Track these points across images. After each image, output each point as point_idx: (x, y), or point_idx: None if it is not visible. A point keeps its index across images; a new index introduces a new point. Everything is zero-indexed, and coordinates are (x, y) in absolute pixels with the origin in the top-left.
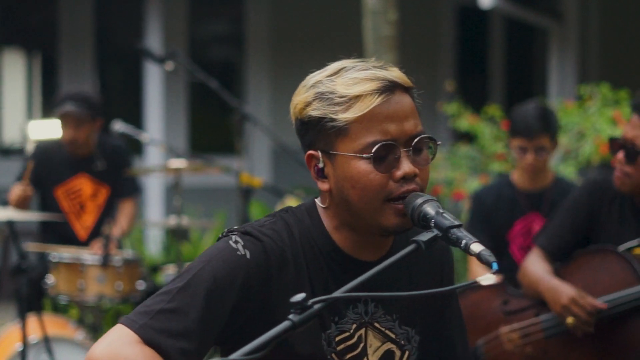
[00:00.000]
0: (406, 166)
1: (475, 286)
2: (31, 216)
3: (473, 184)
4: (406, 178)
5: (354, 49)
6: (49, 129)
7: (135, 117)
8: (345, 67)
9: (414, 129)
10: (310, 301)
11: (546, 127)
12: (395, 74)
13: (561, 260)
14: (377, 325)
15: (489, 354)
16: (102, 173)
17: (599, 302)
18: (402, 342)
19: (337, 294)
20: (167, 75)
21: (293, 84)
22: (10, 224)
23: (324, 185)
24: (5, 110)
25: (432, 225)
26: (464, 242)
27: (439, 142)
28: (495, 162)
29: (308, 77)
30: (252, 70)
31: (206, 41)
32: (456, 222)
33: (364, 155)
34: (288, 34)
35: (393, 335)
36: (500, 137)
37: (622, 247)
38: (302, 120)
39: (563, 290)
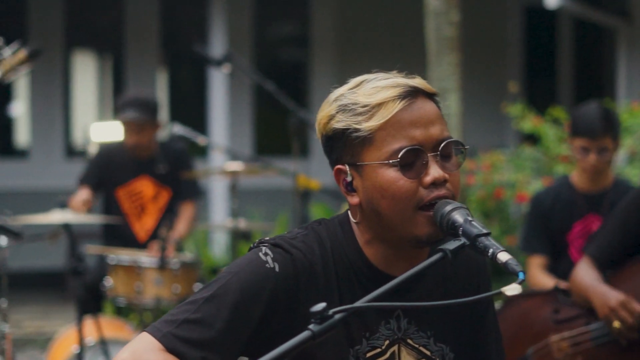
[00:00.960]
0: (435, 171)
1: (498, 295)
2: (88, 218)
3: (536, 186)
4: (436, 183)
5: (417, 50)
6: (111, 131)
7: (200, 119)
8: (366, 79)
9: (441, 134)
10: (331, 311)
11: (609, 127)
12: (417, 81)
13: (611, 269)
14: (410, 341)
15: None
16: (163, 176)
17: None
18: None
19: (359, 304)
20: (231, 77)
21: None
22: (67, 226)
23: (353, 199)
24: (76, 112)
25: (460, 233)
26: (491, 250)
27: (467, 147)
28: (560, 164)
29: (331, 94)
30: (318, 71)
31: (271, 43)
32: (484, 231)
33: (391, 161)
34: (353, 35)
35: (428, 353)
36: (565, 138)
37: None
38: (327, 135)
39: (612, 295)
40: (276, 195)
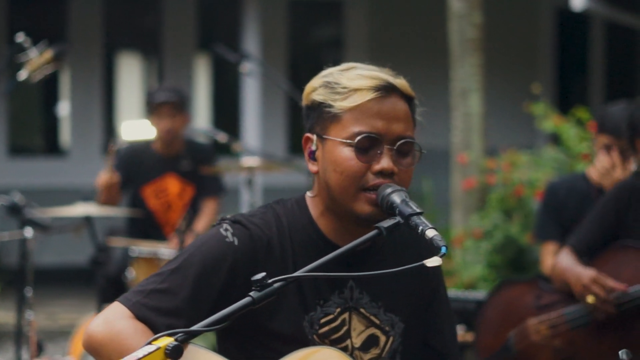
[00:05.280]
0: (385, 162)
1: (421, 267)
2: (112, 211)
3: None
4: (384, 173)
5: (444, 51)
6: (142, 130)
7: (233, 120)
8: (356, 67)
9: (402, 132)
10: (270, 280)
11: (636, 129)
12: (398, 81)
13: (590, 257)
14: (362, 310)
15: (518, 346)
16: (188, 173)
17: (619, 284)
18: (387, 328)
19: (296, 274)
20: (265, 80)
21: None
22: (89, 219)
23: (313, 168)
24: (121, 112)
25: (397, 212)
26: (420, 228)
27: (423, 151)
28: (581, 163)
29: (324, 70)
30: None
31: (306, 46)
32: (417, 210)
33: (348, 141)
34: (385, 37)
35: (377, 321)
36: (586, 137)
37: None
38: (307, 104)
39: (585, 272)
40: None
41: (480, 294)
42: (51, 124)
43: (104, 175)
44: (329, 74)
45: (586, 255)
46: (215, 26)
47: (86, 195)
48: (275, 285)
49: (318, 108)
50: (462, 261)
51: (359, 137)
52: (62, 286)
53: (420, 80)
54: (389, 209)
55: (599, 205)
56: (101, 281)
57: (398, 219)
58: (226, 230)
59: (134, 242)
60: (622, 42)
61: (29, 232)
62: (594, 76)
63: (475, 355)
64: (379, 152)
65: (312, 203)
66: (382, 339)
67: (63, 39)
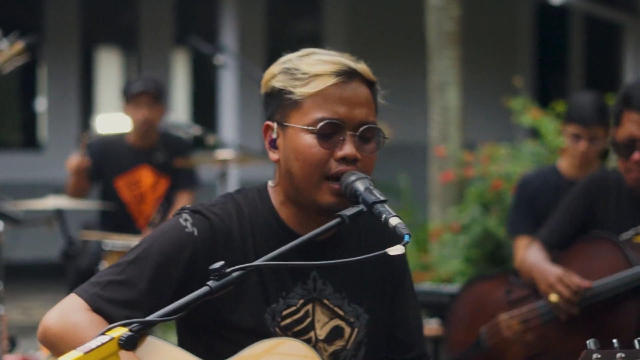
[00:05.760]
0: (348, 148)
1: (385, 256)
2: (84, 204)
3: None
4: (346, 160)
5: (423, 44)
6: (116, 123)
7: (212, 113)
8: (315, 52)
9: (364, 117)
10: (229, 269)
11: (602, 117)
12: (359, 65)
13: (560, 251)
14: (326, 301)
15: (490, 341)
16: (163, 165)
17: (585, 282)
18: (351, 320)
19: (256, 262)
20: (242, 73)
21: None
22: (59, 212)
23: (274, 156)
24: (100, 106)
25: (360, 200)
26: (384, 216)
27: (386, 137)
28: (559, 156)
29: (283, 57)
30: None
31: (284, 39)
32: (381, 198)
33: (310, 128)
34: (364, 30)
35: (342, 313)
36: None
37: (622, 238)
38: (266, 92)
39: (551, 270)
40: None
41: (454, 287)
42: (28, 118)
43: (74, 159)
44: (288, 60)
45: (556, 248)
46: (193, 20)
47: (57, 188)
48: (234, 274)
49: (278, 95)
50: (440, 255)
51: (321, 124)
52: (37, 281)
53: (398, 73)
54: (353, 197)
55: (569, 198)
56: (73, 275)
57: (361, 207)
58: (185, 220)
59: (107, 236)
60: (601, 35)
61: None
62: (573, 70)
63: (447, 350)
64: (341, 138)
65: (274, 192)
66: (347, 330)
67: (39, 34)
